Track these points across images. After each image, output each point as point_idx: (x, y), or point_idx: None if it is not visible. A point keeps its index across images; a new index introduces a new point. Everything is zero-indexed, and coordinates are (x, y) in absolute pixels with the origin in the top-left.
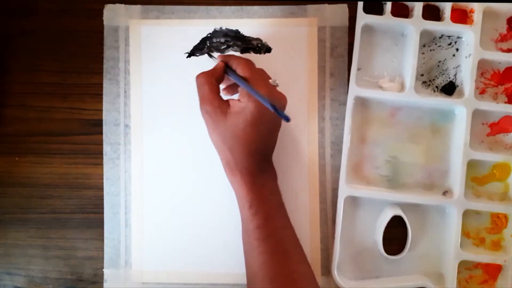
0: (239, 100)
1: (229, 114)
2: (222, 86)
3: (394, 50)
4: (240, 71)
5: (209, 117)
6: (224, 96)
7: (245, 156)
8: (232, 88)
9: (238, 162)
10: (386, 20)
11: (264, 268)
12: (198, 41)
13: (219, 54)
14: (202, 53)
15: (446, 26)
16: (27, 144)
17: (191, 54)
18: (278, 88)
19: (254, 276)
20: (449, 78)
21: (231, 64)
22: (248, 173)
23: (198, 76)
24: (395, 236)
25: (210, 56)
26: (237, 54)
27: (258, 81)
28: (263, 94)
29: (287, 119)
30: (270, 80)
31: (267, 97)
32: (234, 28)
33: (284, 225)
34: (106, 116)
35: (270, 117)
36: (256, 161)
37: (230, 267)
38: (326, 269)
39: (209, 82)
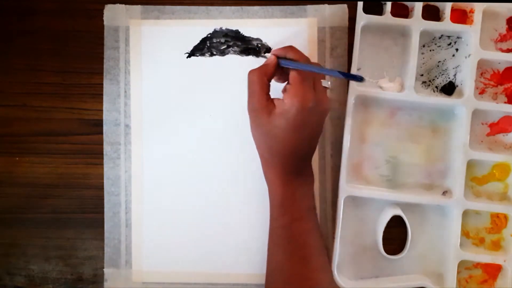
0: (283, 100)
1: (274, 115)
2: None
3: (394, 50)
4: (298, 59)
5: (255, 114)
6: (275, 83)
7: (283, 157)
8: (283, 77)
9: (275, 161)
10: (386, 20)
11: (281, 267)
12: (198, 41)
13: (273, 50)
14: (202, 53)
15: (445, 26)
16: (28, 144)
17: (191, 54)
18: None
19: (271, 274)
20: (449, 78)
21: (289, 56)
22: (284, 173)
23: (250, 73)
24: (395, 236)
25: (263, 56)
26: (237, 55)
27: (304, 81)
28: (300, 95)
29: (360, 79)
30: (323, 81)
31: (309, 104)
32: (234, 28)
33: (310, 229)
34: (107, 116)
35: (313, 122)
36: (294, 163)
37: (231, 267)
38: None
39: (261, 81)
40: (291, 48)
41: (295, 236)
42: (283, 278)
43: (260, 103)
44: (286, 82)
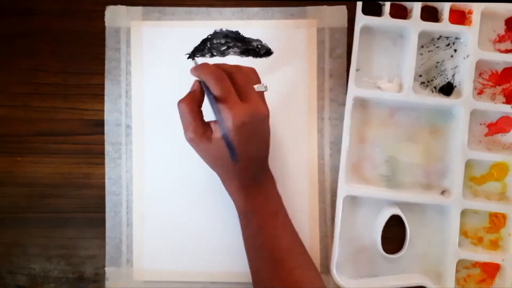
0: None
1: (214, 140)
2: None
3: (393, 51)
4: (211, 88)
5: (195, 144)
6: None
7: (235, 172)
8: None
9: (230, 177)
10: (385, 21)
11: (259, 274)
12: (199, 42)
13: (195, 64)
14: (203, 54)
15: (444, 27)
16: (29, 144)
17: (191, 55)
18: (266, 93)
19: (255, 282)
20: (447, 78)
21: (203, 79)
22: (242, 185)
23: (179, 104)
24: (394, 235)
25: (193, 59)
26: (237, 56)
27: (227, 99)
28: (230, 115)
29: (234, 160)
30: (256, 86)
31: (239, 119)
32: (234, 30)
33: (279, 233)
34: (108, 116)
35: (254, 132)
36: (248, 175)
37: (231, 266)
38: (326, 268)
39: (192, 111)
40: (203, 68)
41: (264, 243)
42: (263, 282)
43: (197, 133)
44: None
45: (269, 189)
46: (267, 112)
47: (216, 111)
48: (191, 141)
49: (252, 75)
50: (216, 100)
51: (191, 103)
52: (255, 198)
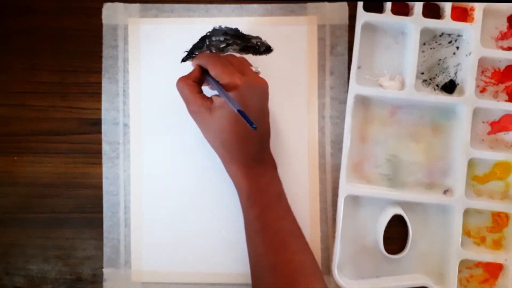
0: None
1: (214, 109)
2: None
3: (394, 48)
4: (210, 69)
5: (197, 116)
6: (210, 92)
7: (237, 146)
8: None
9: (232, 154)
10: (386, 18)
11: (263, 258)
12: (198, 40)
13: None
14: (202, 52)
15: (446, 24)
16: (26, 143)
17: (190, 52)
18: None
19: (254, 266)
20: (450, 76)
21: (202, 64)
22: (244, 164)
23: (176, 83)
24: (396, 235)
25: (186, 60)
26: (237, 53)
27: (230, 74)
28: (235, 91)
29: (253, 127)
30: (251, 67)
31: (241, 89)
32: (233, 27)
33: (282, 215)
34: (105, 115)
35: (254, 103)
36: (251, 151)
37: (230, 267)
38: (327, 269)
39: (188, 84)
40: (202, 55)
41: (269, 224)
42: (267, 266)
43: (197, 103)
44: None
45: (271, 170)
46: (266, 84)
47: (222, 91)
48: (193, 113)
49: (245, 61)
50: (219, 81)
51: (186, 78)
52: (258, 178)
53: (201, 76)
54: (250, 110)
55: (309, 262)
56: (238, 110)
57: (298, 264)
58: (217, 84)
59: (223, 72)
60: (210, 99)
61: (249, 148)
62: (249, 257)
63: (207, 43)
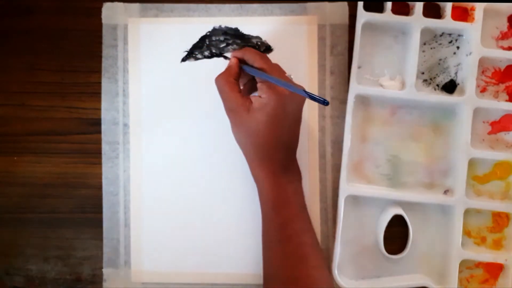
0: (260, 96)
1: (252, 110)
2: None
3: (395, 48)
4: (257, 64)
5: (233, 115)
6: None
7: (268, 152)
8: (249, 87)
9: (262, 158)
10: (387, 18)
11: (280, 270)
12: (198, 39)
13: (232, 52)
14: (202, 52)
15: (446, 24)
16: (26, 143)
17: (190, 52)
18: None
19: (270, 276)
20: (450, 76)
21: (247, 58)
22: (272, 170)
23: (216, 79)
24: (396, 235)
25: (225, 57)
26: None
27: (278, 71)
28: (280, 95)
29: (325, 102)
30: (287, 74)
31: (285, 93)
32: (233, 26)
33: (305, 228)
34: (105, 115)
35: (291, 111)
36: (280, 158)
37: (230, 267)
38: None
39: (228, 82)
40: (247, 50)
41: (291, 237)
42: (283, 279)
43: (236, 102)
44: (255, 92)
45: (297, 180)
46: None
47: (277, 80)
48: (230, 112)
49: (280, 67)
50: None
51: (227, 76)
52: (285, 188)
53: (238, 70)
54: (287, 117)
55: (325, 278)
56: (305, 91)
57: (315, 280)
58: (266, 73)
59: (271, 72)
60: (249, 99)
61: (279, 154)
62: (264, 266)
63: (207, 42)
